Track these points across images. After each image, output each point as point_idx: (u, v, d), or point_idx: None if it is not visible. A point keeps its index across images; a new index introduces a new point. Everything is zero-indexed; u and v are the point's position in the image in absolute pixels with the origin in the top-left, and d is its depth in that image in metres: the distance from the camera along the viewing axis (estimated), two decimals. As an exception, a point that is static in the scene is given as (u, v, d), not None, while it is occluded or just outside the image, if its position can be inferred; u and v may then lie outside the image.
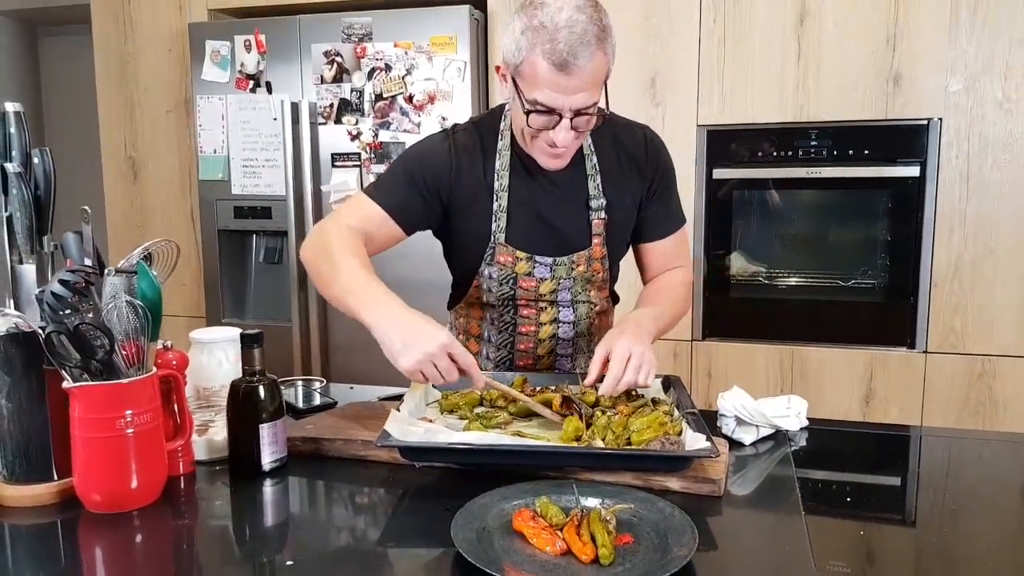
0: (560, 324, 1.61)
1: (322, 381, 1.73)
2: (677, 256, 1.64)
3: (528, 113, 1.34)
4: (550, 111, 1.32)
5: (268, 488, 1.20)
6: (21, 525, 1.09)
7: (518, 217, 1.52)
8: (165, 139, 3.21)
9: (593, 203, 1.52)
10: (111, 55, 3.23)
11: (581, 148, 1.51)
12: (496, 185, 1.51)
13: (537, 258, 1.54)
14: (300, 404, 1.54)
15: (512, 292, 1.57)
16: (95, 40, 3.24)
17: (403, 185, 1.50)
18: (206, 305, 3.18)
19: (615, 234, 1.57)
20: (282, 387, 1.28)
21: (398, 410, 1.29)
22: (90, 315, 1.10)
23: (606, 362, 1.32)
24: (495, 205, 1.51)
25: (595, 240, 1.54)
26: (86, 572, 1.00)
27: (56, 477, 1.15)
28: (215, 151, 3.06)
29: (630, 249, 1.66)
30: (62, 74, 4.49)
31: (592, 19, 1.28)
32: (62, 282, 1.09)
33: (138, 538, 1.06)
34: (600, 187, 1.52)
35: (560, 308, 1.60)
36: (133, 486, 1.10)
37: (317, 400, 1.57)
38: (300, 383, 1.71)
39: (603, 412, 1.30)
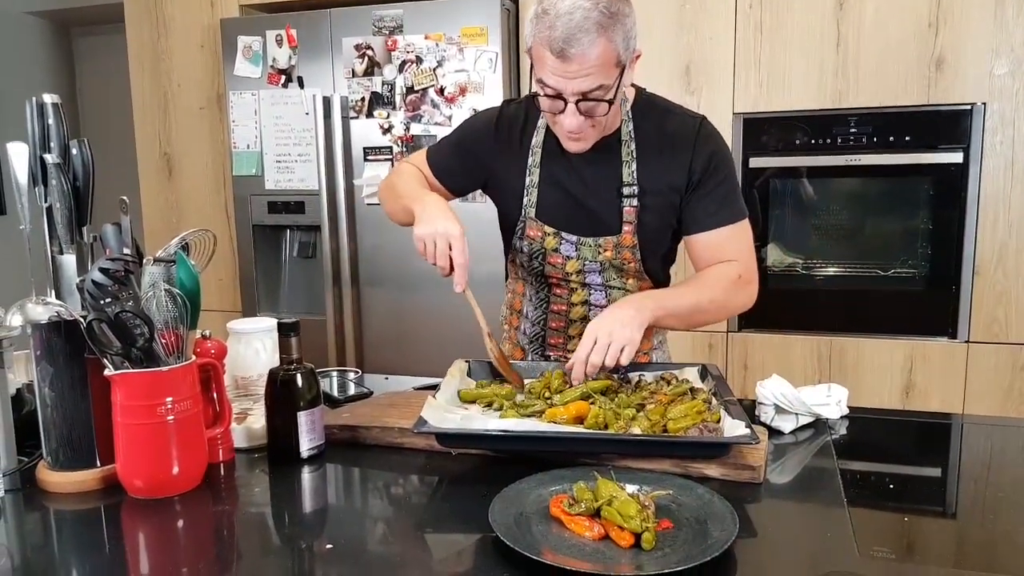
0: (591, 307, 1.59)
1: (357, 372, 1.73)
2: (729, 251, 1.51)
3: (535, 96, 1.39)
4: (555, 95, 1.34)
5: (306, 475, 1.20)
6: (65, 511, 1.11)
7: (548, 194, 1.55)
8: (199, 135, 3.25)
9: (625, 190, 1.50)
10: (144, 53, 3.27)
11: (620, 133, 1.50)
12: (530, 161, 1.55)
13: (564, 234, 1.54)
14: (336, 394, 1.55)
15: (542, 268, 1.59)
16: (128, 38, 3.28)
17: (451, 148, 1.64)
18: (242, 300, 3.21)
19: (649, 223, 1.52)
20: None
21: (434, 398, 1.29)
22: (130, 303, 1.11)
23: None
24: (527, 180, 1.55)
25: (625, 228, 1.51)
26: (129, 556, 1.01)
27: (99, 463, 1.16)
28: (248, 146, 3.08)
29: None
30: (96, 73, 4.57)
31: (596, 5, 1.27)
32: (102, 270, 1.11)
33: (179, 523, 1.07)
34: (635, 174, 1.50)
35: (592, 290, 1.58)
36: (174, 472, 1.11)
37: (352, 390, 1.58)
38: (335, 374, 1.71)
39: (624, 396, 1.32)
